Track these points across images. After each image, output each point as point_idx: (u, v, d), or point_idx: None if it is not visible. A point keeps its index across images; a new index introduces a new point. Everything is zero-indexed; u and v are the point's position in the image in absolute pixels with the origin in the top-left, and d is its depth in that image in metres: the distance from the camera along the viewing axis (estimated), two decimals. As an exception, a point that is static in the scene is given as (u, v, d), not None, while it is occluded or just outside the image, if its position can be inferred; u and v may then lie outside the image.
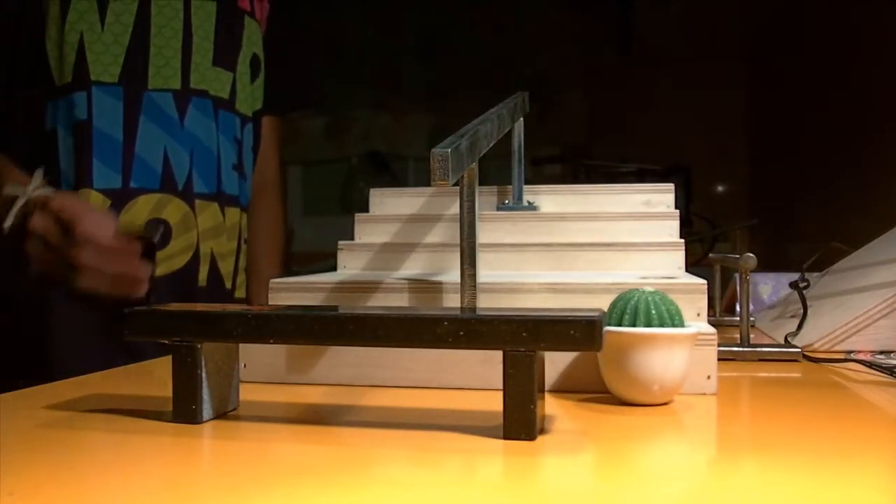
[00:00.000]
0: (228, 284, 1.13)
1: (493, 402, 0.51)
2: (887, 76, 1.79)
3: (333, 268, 0.85)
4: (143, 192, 1.02)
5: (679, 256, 0.77)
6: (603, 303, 0.61)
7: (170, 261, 1.04)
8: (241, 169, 1.16)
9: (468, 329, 0.50)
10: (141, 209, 1.01)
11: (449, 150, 0.56)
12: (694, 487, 0.41)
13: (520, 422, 0.48)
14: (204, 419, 0.53)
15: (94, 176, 1.00)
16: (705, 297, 0.66)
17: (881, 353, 0.77)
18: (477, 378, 0.62)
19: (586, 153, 2.62)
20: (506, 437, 0.48)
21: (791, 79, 2.59)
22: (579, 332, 0.48)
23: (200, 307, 0.57)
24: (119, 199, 1.01)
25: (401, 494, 0.40)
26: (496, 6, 3.43)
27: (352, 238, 0.87)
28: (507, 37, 3.44)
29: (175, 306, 0.58)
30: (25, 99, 1.03)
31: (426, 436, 0.51)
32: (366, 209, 0.88)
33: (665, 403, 0.57)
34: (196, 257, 1.06)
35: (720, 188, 3.24)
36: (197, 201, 1.06)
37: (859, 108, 1.98)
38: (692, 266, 1.31)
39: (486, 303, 0.66)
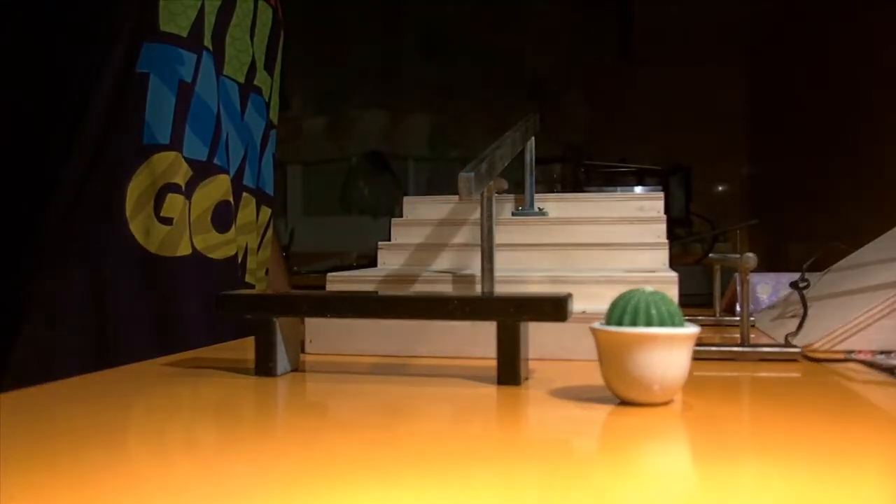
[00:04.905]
0: (252, 280, 1.13)
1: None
2: (888, 76, 1.79)
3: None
4: (221, 172, 1.00)
5: (664, 254, 0.89)
6: (594, 291, 0.78)
7: (225, 247, 1.03)
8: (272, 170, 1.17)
9: (472, 306, 0.66)
10: (217, 188, 1.00)
11: (472, 173, 0.68)
12: (694, 487, 0.42)
13: (508, 373, 0.65)
14: (279, 373, 0.69)
15: (185, 143, 0.96)
16: (676, 287, 0.77)
17: (881, 353, 0.77)
18: (491, 350, 0.69)
19: (586, 153, 2.62)
20: (499, 384, 0.65)
21: (791, 79, 2.59)
22: (550, 307, 0.64)
23: (276, 293, 0.75)
24: (201, 173, 0.98)
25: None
26: (496, 6, 3.42)
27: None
28: (508, 37, 3.43)
29: (254, 292, 0.76)
30: (128, 34, 0.95)
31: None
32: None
33: (665, 403, 0.57)
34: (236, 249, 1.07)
35: (720, 188, 3.24)
36: (244, 194, 1.07)
37: (859, 108, 1.98)
38: (693, 265, 1.31)
39: (501, 291, 0.78)
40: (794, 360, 0.78)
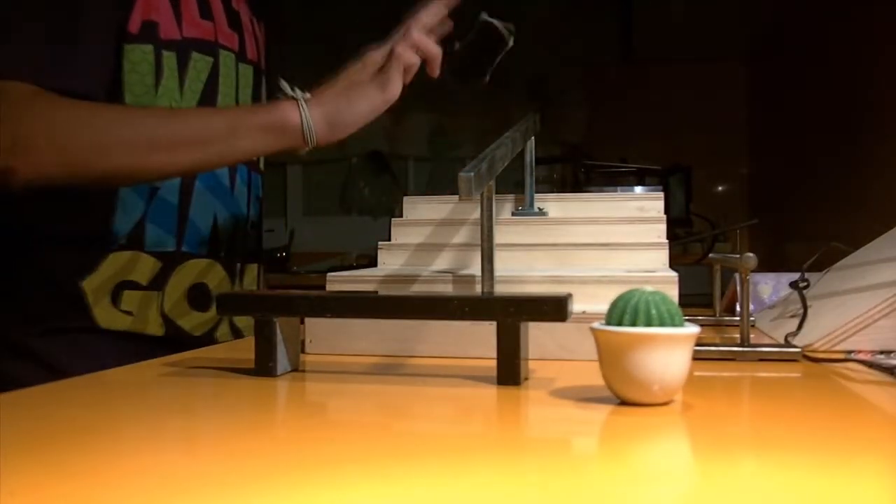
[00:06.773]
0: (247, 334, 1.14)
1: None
2: (887, 76, 1.79)
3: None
4: (191, 257, 1.04)
5: (664, 254, 0.89)
6: (594, 291, 0.78)
7: (205, 325, 1.05)
8: (259, 225, 1.20)
9: (472, 306, 0.66)
10: (189, 273, 1.03)
11: (472, 173, 0.68)
12: (694, 487, 0.42)
13: (508, 373, 0.65)
14: (279, 373, 0.69)
15: (147, 239, 0.99)
16: (676, 287, 0.77)
17: (881, 353, 0.77)
18: (491, 350, 0.69)
19: (586, 153, 2.62)
20: (499, 384, 0.65)
21: (791, 79, 2.59)
22: (550, 307, 0.64)
23: (276, 293, 0.75)
24: (170, 263, 1.01)
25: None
26: (497, 6, 3.43)
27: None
28: (508, 37, 3.43)
29: (254, 291, 0.78)
30: None
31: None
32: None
33: (665, 403, 0.57)
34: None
35: (720, 188, 3.25)
36: (238, 265, 1.11)
37: (859, 108, 1.98)
38: (693, 265, 1.31)
39: (501, 291, 0.78)
40: (794, 360, 0.78)
